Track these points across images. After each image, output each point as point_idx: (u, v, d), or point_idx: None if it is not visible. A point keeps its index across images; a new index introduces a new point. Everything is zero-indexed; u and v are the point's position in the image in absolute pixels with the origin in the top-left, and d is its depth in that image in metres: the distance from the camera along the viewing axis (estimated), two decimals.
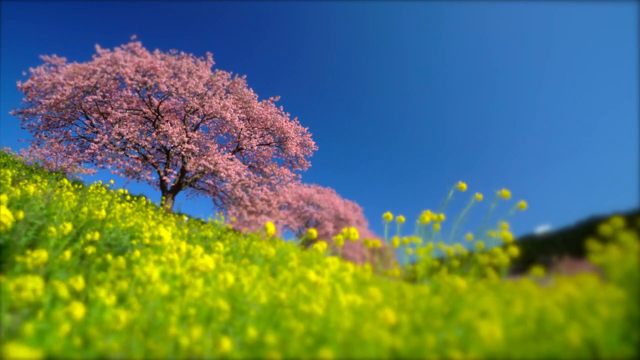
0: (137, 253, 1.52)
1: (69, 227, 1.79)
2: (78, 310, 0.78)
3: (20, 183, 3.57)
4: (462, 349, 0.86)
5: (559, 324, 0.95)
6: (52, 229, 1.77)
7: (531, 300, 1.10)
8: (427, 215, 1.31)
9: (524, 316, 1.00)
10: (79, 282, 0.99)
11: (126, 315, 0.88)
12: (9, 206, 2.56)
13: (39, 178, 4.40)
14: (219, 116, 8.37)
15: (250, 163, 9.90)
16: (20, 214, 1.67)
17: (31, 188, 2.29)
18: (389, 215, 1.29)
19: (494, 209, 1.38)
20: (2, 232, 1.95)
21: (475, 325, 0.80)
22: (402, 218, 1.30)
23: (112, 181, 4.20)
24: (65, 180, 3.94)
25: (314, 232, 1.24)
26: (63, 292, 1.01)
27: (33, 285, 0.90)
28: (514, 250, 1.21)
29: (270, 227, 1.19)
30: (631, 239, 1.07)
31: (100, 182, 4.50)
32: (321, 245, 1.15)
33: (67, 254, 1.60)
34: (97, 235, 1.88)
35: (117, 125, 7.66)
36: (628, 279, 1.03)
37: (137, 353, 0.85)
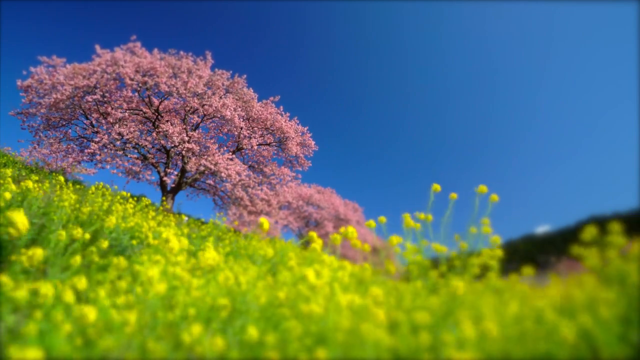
0: (139, 253, 1.53)
1: (79, 232, 1.78)
2: (91, 314, 0.79)
3: (22, 183, 3.58)
4: (459, 347, 0.87)
5: (555, 323, 0.95)
6: (62, 232, 1.76)
7: (528, 300, 1.11)
8: (412, 218, 1.35)
9: (520, 315, 1.01)
10: (81, 283, 1.00)
11: (126, 315, 0.89)
12: (9, 206, 2.57)
13: (38, 177, 4.41)
14: (219, 115, 8.38)
15: (250, 163, 9.91)
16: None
17: (29, 183, 2.29)
18: (371, 223, 1.35)
19: (489, 210, 1.40)
20: (2, 233, 1.96)
21: (471, 324, 0.81)
22: (383, 219, 1.36)
23: (116, 186, 4.22)
24: (61, 178, 3.94)
25: (314, 234, 1.26)
26: (68, 295, 1.02)
27: (45, 291, 0.91)
28: (499, 252, 1.24)
29: (265, 223, 1.22)
30: (621, 240, 1.08)
31: (102, 183, 4.52)
32: (319, 244, 1.16)
33: (78, 259, 1.58)
34: (87, 236, 1.86)
35: (117, 125, 7.67)
36: (620, 280, 1.04)
37: (136, 353, 0.86)
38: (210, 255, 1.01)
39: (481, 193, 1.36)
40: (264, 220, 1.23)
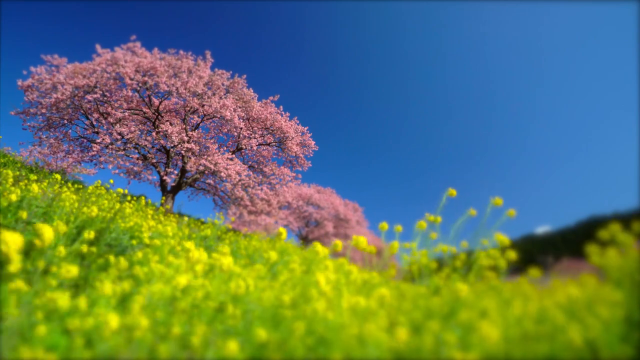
0: (140, 254, 1.54)
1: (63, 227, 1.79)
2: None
3: (21, 183, 3.57)
4: (462, 348, 0.87)
5: (559, 324, 0.96)
6: (63, 225, 1.76)
7: (530, 301, 1.11)
8: (424, 222, 1.35)
9: (523, 316, 1.01)
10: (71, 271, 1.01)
11: (130, 316, 0.89)
12: (9, 206, 2.57)
13: (37, 177, 4.41)
14: (219, 115, 8.38)
15: (250, 163, 9.91)
16: (24, 214, 1.68)
17: (35, 187, 2.30)
18: (384, 225, 1.35)
19: (490, 212, 1.41)
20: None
21: (475, 326, 0.81)
22: (399, 227, 1.35)
23: (112, 181, 4.19)
24: (58, 176, 3.94)
25: (319, 244, 1.29)
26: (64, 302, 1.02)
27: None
28: (512, 254, 1.24)
29: (283, 232, 1.26)
30: (630, 240, 1.08)
31: (100, 182, 4.51)
32: (322, 249, 1.18)
33: (62, 250, 1.59)
34: (92, 234, 1.87)
35: (117, 125, 7.67)
36: (627, 280, 1.04)
37: (141, 353, 0.86)
38: (226, 261, 1.03)
39: (496, 205, 1.36)
40: (282, 230, 1.27)
